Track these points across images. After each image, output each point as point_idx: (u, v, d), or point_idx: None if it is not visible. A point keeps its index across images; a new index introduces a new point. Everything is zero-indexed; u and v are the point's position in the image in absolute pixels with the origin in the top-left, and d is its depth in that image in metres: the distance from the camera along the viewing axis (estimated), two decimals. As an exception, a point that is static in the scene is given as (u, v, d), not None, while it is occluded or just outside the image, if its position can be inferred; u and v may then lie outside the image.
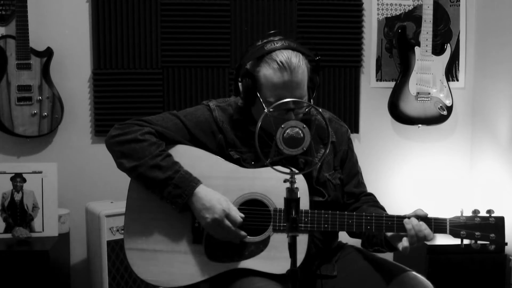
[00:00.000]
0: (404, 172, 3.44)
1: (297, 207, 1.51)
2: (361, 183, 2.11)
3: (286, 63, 1.83)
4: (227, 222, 1.82)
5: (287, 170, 1.53)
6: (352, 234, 2.06)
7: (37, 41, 3.05)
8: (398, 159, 3.44)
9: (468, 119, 3.47)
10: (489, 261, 2.97)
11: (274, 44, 1.88)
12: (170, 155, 1.89)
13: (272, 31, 2.06)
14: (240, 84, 1.92)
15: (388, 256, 2.96)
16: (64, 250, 3.07)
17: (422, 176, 3.42)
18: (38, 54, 3.03)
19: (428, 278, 1.87)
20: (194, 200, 1.83)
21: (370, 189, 2.14)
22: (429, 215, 1.83)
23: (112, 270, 2.85)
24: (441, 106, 3.28)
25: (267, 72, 1.85)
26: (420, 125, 3.29)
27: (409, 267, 1.92)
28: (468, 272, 2.97)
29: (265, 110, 1.58)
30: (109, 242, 2.85)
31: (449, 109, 3.29)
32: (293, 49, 1.87)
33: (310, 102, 1.92)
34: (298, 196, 1.52)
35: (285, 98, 1.79)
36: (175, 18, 3.22)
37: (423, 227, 1.78)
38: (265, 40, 1.91)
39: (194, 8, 3.22)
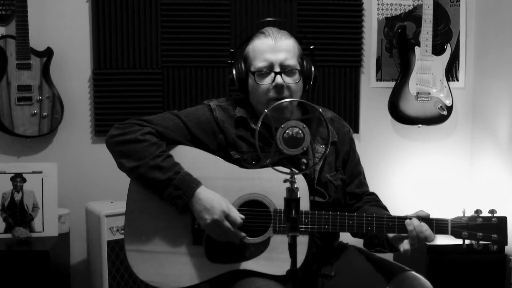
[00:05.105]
0: (404, 172, 3.43)
1: (297, 207, 1.51)
2: (363, 183, 2.11)
3: (271, 32, 1.96)
4: (226, 223, 1.82)
5: (287, 170, 1.53)
6: (354, 234, 2.06)
7: (37, 41, 3.05)
8: (398, 159, 3.44)
9: (468, 119, 3.47)
10: (489, 261, 2.96)
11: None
12: (170, 156, 1.89)
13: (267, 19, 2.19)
14: (233, 71, 1.98)
15: (388, 255, 2.95)
16: (64, 250, 3.06)
17: (422, 176, 3.41)
18: (38, 54, 3.03)
19: (428, 278, 1.87)
20: (194, 201, 1.83)
21: (370, 189, 2.14)
22: (430, 216, 1.83)
23: (112, 270, 2.85)
24: (441, 106, 3.28)
25: (254, 43, 1.98)
26: (420, 125, 3.29)
27: (409, 267, 1.92)
28: (468, 272, 2.97)
29: (265, 110, 1.59)
30: (109, 242, 2.84)
31: (449, 109, 3.29)
32: (279, 29, 2.00)
33: (303, 88, 1.99)
34: (298, 196, 1.52)
35: (271, 61, 1.91)
36: (175, 18, 3.22)
37: (424, 228, 1.78)
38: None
39: (194, 8, 3.22)
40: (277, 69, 1.91)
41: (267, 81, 1.92)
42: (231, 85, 2.02)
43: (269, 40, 1.93)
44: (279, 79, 1.90)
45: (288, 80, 1.92)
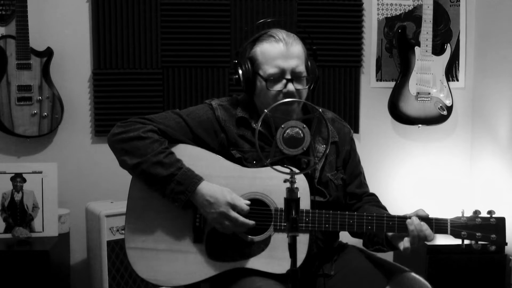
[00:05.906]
0: (404, 172, 3.43)
1: (297, 207, 1.51)
2: (363, 184, 2.11)
3: (282, 36, 1.93)
4: (233, 213, 1.82)
5: (287, 170, 1.54)
6: (353, 234, 2.06)
7: (37, 41, 3.05)
8: (398, 159, 3.44)
9: (468, 119, 3.47)
10: (489, 261, 2.97)
11: (270, 29, 1.99)
12: (172, 153, 1.89)
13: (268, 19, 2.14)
14: (239, 71, 1.96)
15: (388, 255, 2.97)
16: (64, 250, 3.07)
17: (422, 176, 3.42)
18: (38, 54, 3.04)
19: (428, 278, 1.88)
20: (197, 196, 1.84)
21: (370, 189, 2.14)
22: (430, 216, 1.83)
23: (112, 270, 2.85)
24: (441, 106, 3.28)
25: (263, 46, 1.94)
26: (420, 125, 3.29)
27: (409, 267, 1.92)
28: (468, 272, 2.97)
29: (265, 110, 1.59)
30: (109, 242, 2.85)
31: (449, 109, 3.29)
32: (288, 31, 1.97)
33: (309, 90, 1.98)
34: (298, 196, 1.52)
35: (283, 67, 1.90)
36: (175, 18, 3.22)
37: (424, 227, 1.79)
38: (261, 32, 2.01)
39: (194, 8, 3.22)
40: (288, 76, 1.91)
41: (277, 87, 1.91)
42: (236, 85, 2.00)
43: (281, 46, 1.91)
44: (290, 86, 1.90)
45: (298, 86, 1.93)
